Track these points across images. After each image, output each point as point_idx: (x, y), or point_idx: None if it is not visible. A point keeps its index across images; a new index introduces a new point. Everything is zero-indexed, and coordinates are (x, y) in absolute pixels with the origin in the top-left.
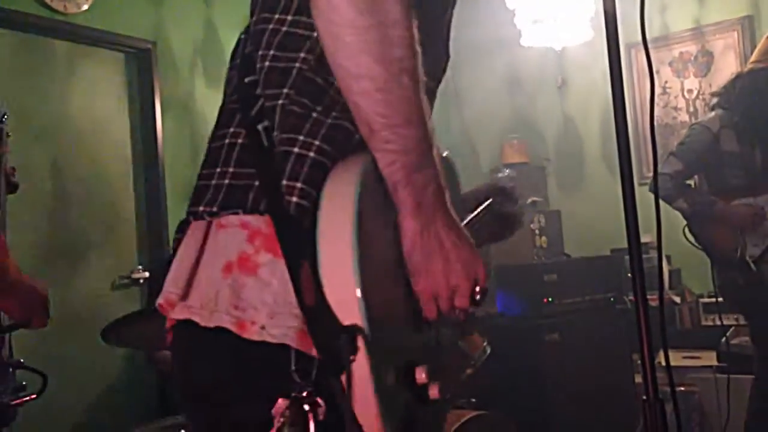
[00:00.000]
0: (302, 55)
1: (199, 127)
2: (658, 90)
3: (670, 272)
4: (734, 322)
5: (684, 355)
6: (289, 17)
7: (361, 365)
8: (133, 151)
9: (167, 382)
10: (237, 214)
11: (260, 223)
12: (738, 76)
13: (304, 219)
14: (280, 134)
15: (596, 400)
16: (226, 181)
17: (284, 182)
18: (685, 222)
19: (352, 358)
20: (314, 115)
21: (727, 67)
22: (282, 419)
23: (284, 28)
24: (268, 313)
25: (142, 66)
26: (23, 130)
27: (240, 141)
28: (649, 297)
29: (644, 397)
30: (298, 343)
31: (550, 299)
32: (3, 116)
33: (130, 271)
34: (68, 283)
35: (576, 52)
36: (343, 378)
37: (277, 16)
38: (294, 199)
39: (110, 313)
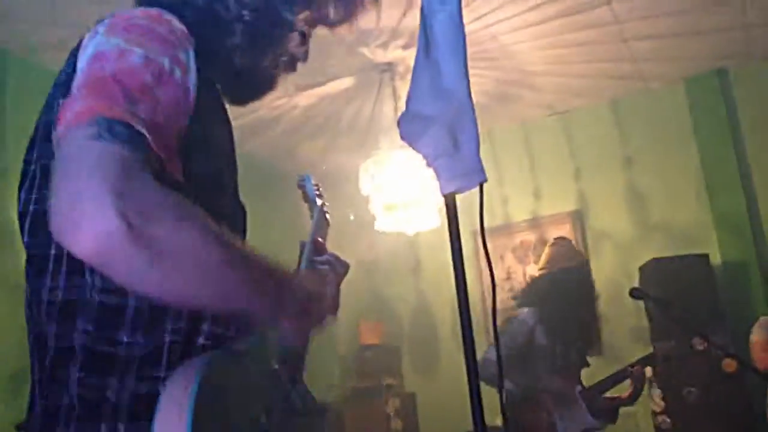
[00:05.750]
0: (79, 326)
1: None
2: (503, 275)
3: None
4: None
5: None
6: (50, 282)
7: None
8: None
9: None
10: None
11: None
12: (533, 280)
13: None
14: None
15: None
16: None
17: None
18: None
19: None
20: (107, 394)
21: None
22: None
23: (60, 298)
24: None
25: None
26: None
27: None
28: None
29: None
30: None
31: None
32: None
33: None
34: None
35: (428, 236)
36: None
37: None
38: None
39: None
